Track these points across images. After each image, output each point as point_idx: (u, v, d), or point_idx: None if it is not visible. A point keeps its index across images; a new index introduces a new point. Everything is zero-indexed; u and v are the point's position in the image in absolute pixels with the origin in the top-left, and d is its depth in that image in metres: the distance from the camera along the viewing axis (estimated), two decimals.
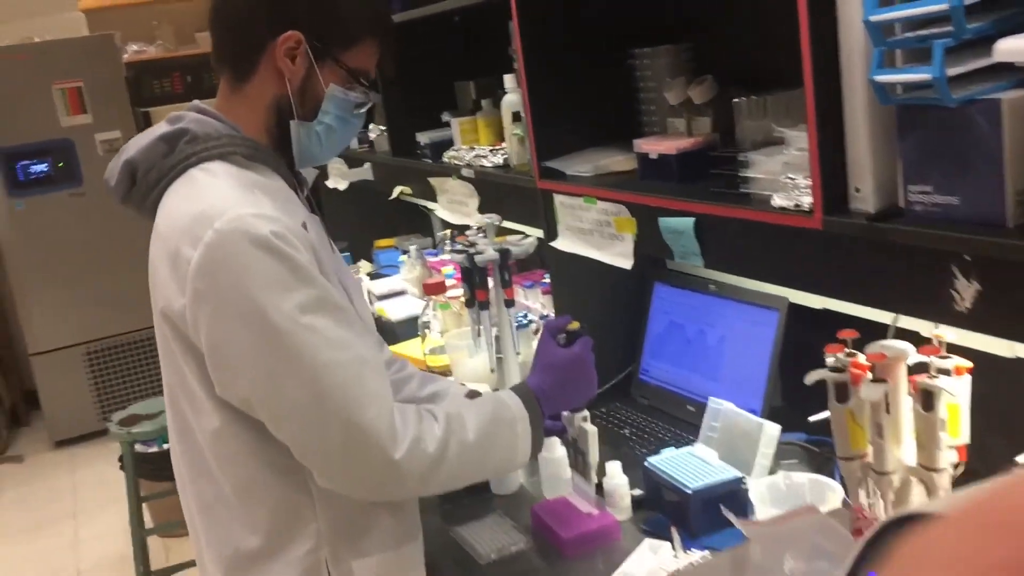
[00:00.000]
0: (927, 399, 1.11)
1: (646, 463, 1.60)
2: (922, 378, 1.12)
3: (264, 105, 1.36)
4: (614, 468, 1.60)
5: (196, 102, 1.39)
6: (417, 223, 3.59)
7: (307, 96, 1.36)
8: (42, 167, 4.61)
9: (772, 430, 1.54)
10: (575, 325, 1.50)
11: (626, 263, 1.76)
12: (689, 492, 1.49)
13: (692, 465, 1.56)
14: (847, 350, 1.19)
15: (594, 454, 1.50)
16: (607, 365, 2.11)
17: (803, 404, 1.74)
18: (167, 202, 1.30)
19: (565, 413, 1.50)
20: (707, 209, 1.50)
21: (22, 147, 4.56)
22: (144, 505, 3.04)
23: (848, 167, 1.24)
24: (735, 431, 1.62)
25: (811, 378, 1.18)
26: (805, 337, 1.73)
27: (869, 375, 1.16)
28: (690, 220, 1.53)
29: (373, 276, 3.26)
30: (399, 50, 1.47)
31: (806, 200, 1.30)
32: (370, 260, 3.52)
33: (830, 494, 1.32)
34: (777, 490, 1.37)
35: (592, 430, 1.50)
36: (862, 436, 1.17)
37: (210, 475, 1.31)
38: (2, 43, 4.57)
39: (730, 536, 1.50)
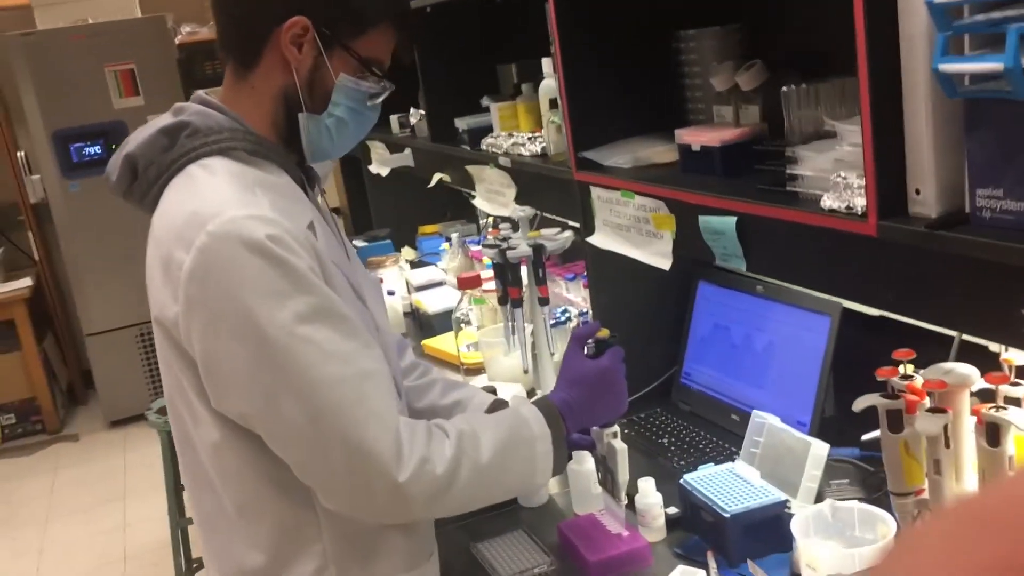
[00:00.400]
0: (993, 432, 0.98)
1: (682, 481, 1.49)
2: (988, 409, 0.99)
3: (270, 96, 1.26)
4: (647, 486, 1.49)
5: (200, 93, 1.30)
6: (463, 209, 3.50)
7: (316, 87, 1.26)
8: (95, 149, 4.61)
9: (820, 450, 1.41)
10: (604, 333, 1.39)
11: (664, 263, 1.64)
12: (727, 516, 1.37)
13: (732, 485, 1.44)
14: (902, 372, 1.06)
15: (624, 473, 1.40)
16: (648, 367, 2.00)
17: (857, 416, 1.60)
18: (164, 200, 1.22)
19: (594, 428, 1.40)
20: (751, 208, 1.37)
21: (76, 129, 4.56)
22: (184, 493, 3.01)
23: (907, 166, 1.10)
24: (780, 448, 1.50)
25: (860, 405, 1.06)
26: (860, 344, 1.60)
27: (927, 402, 1.03)
28: (732, 220, 1.40)
29: (415, 264, 3.18)
30: (417, 37, 1.37)
31: (859, 202, 1.17)
32: (414, 247, 3.44)
33: (881, 527, 1.19)
34: (822, 520, 1.25)
35: (622, 448, 1.39)
36: (918, 470, 1.04)
37: (211, 488, 1.24)
38: (56, 25, 4.58)
39: (772, 563, 1.38)
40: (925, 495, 1.04)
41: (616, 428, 1.40)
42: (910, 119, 1.07)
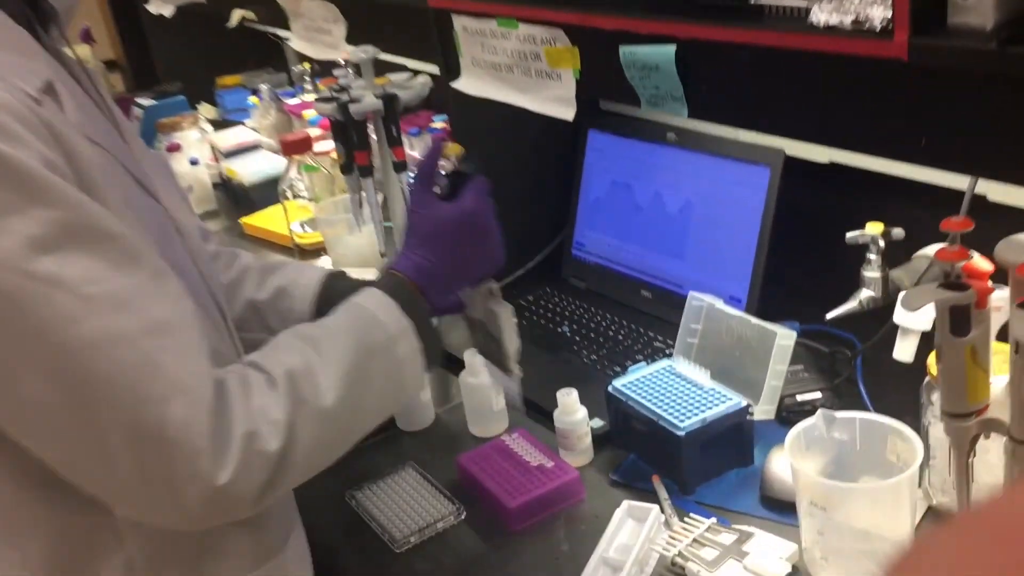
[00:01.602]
0: None
1: (611, 390, 1.18)
2: None
3: None
4: (569, 399, 1.17)
5: None
6: (270, 55, 2.95)
7: None
8: None
9: (787, 339, 1.13)
10: (453, 150, 1.01)
11: (565, 111, 1.27)
12: (681, 434, 1.07)
13: (676, 390, 1.14)
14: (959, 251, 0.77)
15: (512, 340, 1.07)
16: (530, 239, 1.66)
17: (796, 288, 1.34)
18: None
19: (465, 289, 1.06)
20: (698, 31, 1.02)
21: None
22: None
23: None
24: (728, 338, 1.21)
25: (916, 301, 0.76)
26: (802, 201, 1.31)
27: (1002, 294, 0.74)
28: (670, 49, 1.05)
29: (218, 124, 2.65)
30: None
31: (875, 13, 0.84)
32: (213, 103, 2.88)
33: (898, 444, 0.93)
34: (815, 436, 0.97)
35: (506, 309, 1.06)
36: (984, 382, 0.77)
37: None
38: None
39: (730, 483, 1.11)
40: (994, 415, 0.77)
41: (494, 284, 1.06)
42: None
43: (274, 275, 1.11)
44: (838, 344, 1.27)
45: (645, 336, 1.41)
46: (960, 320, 0.75)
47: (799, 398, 1.19)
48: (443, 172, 1.02)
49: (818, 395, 1.19)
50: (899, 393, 1.14)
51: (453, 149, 1.02)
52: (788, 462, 1.07)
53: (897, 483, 0.88)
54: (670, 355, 1.34)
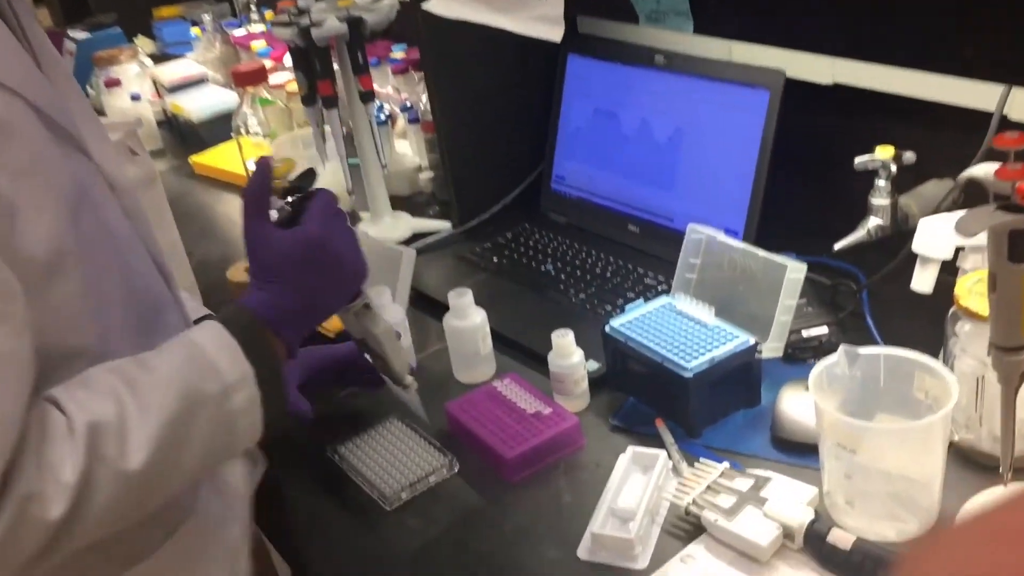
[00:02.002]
0: None
1: (608, 330, 1.10)
2: None
3: None
4: (565, 341, 1.10)
5: None
6: None
7: None
8: None
9: (797, 273, 1.07)
10: (286, 167, 0.91)
11: (552, 32, 1.18)
12: (688, 376, 1.01)
13: (678, 329, 1.07)
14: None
15: (397, 356, 1.00)
16: (505, 172, 1.57)
17: (795, 220, 1.27)
18: None
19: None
20: None
21: None
22: None
23: None
24: (731, 272, 1.14)
25: (974, 225, 0.69)
26: (803, 126, 1.24)
27: None
28: None
29: (158, 58, 2.48)
30: None
31: None
32: (150, 36, 2.71)
33: (927, 380, 0.87)
34: (836, 375, 0.91)
35: (384, 326, 0.99)
36: None
37: None
38: None
39: (736, 425, 1.06)
40: None
41: (365, 297, 0.97)
42: None
43: None
44: (841, 277, 1.21)
45: (635, 273, 1.34)
46: (1019, 245, 0.69)
47: (804, 334, 1.13)
48: (282, 201, 0.90)
49: (824, 330, 1.13)
50: (908, 327, 1.09)
51: (286, 166, 0.90)
52: (801, 401, 1.02)
53: (931, 423, 0.82)
54: (663, 292, 1.28)
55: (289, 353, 0.87)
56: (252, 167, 0.86)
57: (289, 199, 0.90)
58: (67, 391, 0.72)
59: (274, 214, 0.89)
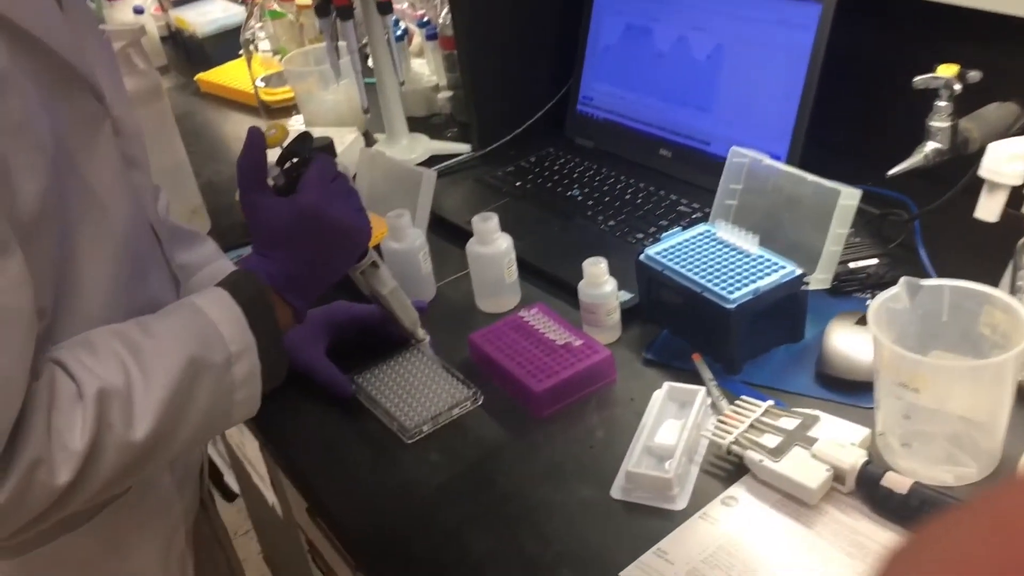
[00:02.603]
0: None
1: (643, 259, 1.04)
2: None
3: None
4: (595, 269, 1.03)
5: None
6: None
7: None
8: None
9: (851, 199, 0.99)
10: (280, 134, 0.88)
11: None
12: (730, 308, 0.94)
13: (720, 258, 1.01)
14: None
15: (406, 312, 1.02)
16: (529, 94, 1.48)
17: (840, 145, 1.20)
18: None
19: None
20: None
21: None
22: None
23: None
24: (775, 199, 1.07)
25: None
26: (854, 44, 1.15)
27: None
28: None
29: None
30: None
31: None
32: None
33: (999, 318, 0.81)
34: (893, 309, 0.85)
35: (387, 286, 0.99)
36: None
37: None
38: None
39: (780, 366, 0.99)
40: None
41: (371, 256, 0.96)
42: None
43: (184, 248, 1.01)
44: (890, 206, 1.14)
45: (667, 199, 1.27)
46: None
47: (851, 265, 1.07)
48: (279, 167, 0.87)
49: (873, 262, 1.07)
50: (963, 260, 1.02)
51: (280, 133, 0.86)
52: (850, 336, 0.96)
53: (1004, 361, 0.76)
54: (697, 220, 1.21)
55: (297, 318, 0.86)
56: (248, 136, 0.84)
57: (286, 165, 0.87)
58: (72, 354, 0.70)
59: (271, 182, 0.86)
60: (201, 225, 1.39)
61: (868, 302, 1.04)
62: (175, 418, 0.73)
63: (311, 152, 0.87)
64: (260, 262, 0.83)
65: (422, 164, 1.44)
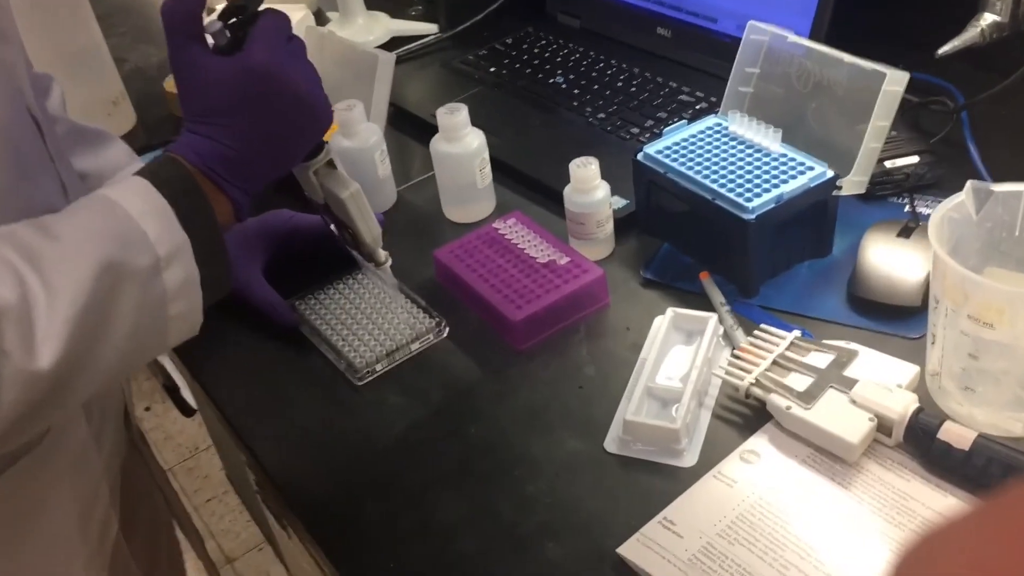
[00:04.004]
0: None
1: (642, 158, 0.86)
2: None
3: None
4: (585, 171, 0.85)
5: None
6: None
7: None
8: None
9: (897, 84, 0.81)
10: None
11: None
12: (749, 219, 0.78)
13: (734, 158, 0.84)
14: None
15: (365, 224, 0.75)
16: None
17: (871, 24, 1.01)
18: None
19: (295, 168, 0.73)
20: None
21: None
22: None
23: None
24: (800, 86, 0.89)
25: None
26: None
27: None
28: None
29: None
30: None
31: None
32: None
33: None
34: (957, 220, 0.68)
35: (348, 189, 0.73)
36: None
37: None
38: None
39: (804, 287, 0.84)
40: None
41: (329, 152, 0.72)
42: None
43: (88, 151, 0.84)
44: (930, 94, 0.97)
45: (666, 87, 1.08)
46: None
47: (887, 164, 0.90)
48: (221, 22, 0.66)
49: (913, 160, 0.90)
50: (1020, 159, 0.86)
51: None
52: (890, 250, 0.80)
53: None
54: (703, 111, 1.03)
55: (237, 215, 0.66)
56: None
57: (230, 21, 0.66)
58: None
59: (210, 40, 0.66)
60: (123, 119, 1.20)
61: (906, 208, 0.88)
62: (92, 339, 0.56)
63: (260, 5, 0.67)
64: (190, 141, 0.64)
65: (382, 47, 1.24)
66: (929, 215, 0.86)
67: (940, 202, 0.87)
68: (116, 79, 1.20)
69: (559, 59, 1.17)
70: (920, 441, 0.66)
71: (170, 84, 1.20)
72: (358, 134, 0.96)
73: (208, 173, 0.63)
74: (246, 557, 1.96)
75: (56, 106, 0.82)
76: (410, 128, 1.11)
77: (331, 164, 0.73)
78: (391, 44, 1.27)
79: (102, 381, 0.60)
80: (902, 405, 0.67)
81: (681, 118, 0.97)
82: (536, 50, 1.20)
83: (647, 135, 1.01)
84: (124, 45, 1.40)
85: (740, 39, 0.91)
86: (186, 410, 1.38)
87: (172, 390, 1.32)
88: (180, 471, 2.18)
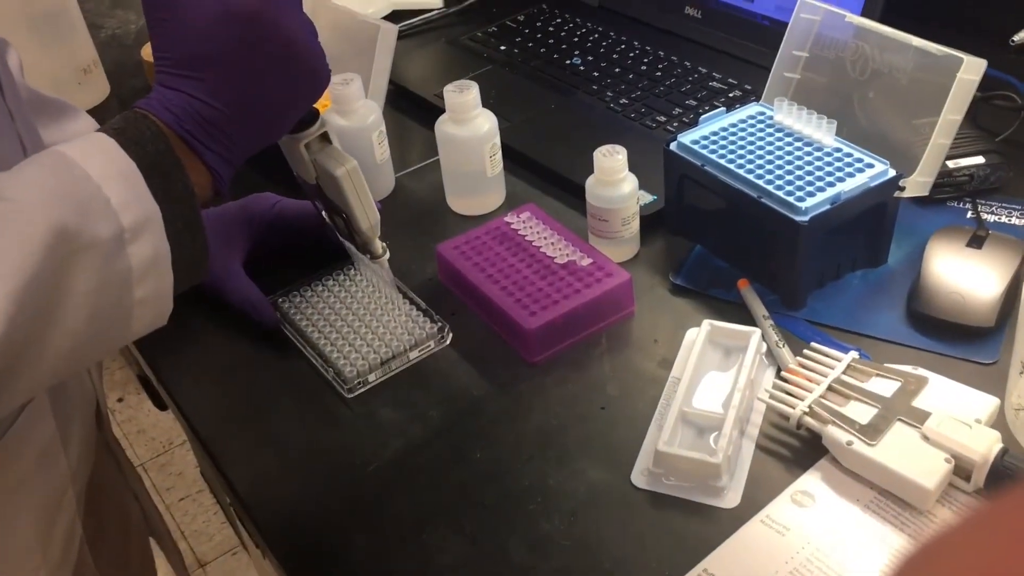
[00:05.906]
0: None
1: (675, 148, 0.76)
2: None
3: None
4: (611, 162, 0.75)
5: None
6: None
7: None
8: None
9: (973, 72, 0.71)
10: None
11: None
12: (802, 221, 0.68)
13: (781, 152, 0.74)
14: None
15: (362, 208, 0.63)
16: None
17: (928, 5, 0.92)
18: None
19: (283, 139, 0.61)
20: None
21: None
22: None
23: None
24: (856, 73, 0.79)
25: None
26: None
27: None
28: None
29: None
30: None
31: None
32: None
33: None
34: None
35: (344, 166, 0.61)
36: None
37: None
38: None
39: (856, 300, 0.74)
40: None
41: (323, 124, 0.61)
42: None
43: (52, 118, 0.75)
44: (993, 89, 0.87)
45: (695, 72, 0.98)
46: None
47: (949, 164, 0.80)
48: None
49: (976, 161, 0.80)
50: None
51: None
52: (957, 261, 0.70)
53: None
54: (736, 100, 0.93)
55: (216, 188, 0.54)
56: None
57: None
58: None
59: None
60: (95, 89, 1.09)
61: (968, 214, 0.79)
62: (41, 320, 0.46)
63: None
64: (163, 96, 0.53)
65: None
66: (996, 222, 0.77)
67: (1006, 208, 0.77)
68: (89, 45, 1.09)
69: (576, 38, 1.07)
70: (1003, 487, 0.56)
71: (147, 52, 1.09)
72: (355, 112, 0.85)
73: (183, 135, 0.51)
74: (219, 561, 1.86)
75: (15, 71, 0.71)
76: (411, 109, 1.01)
77: (325, 138, 0.62)
78: (393, 17, 1.16)
79: (54, 372, 0.49)
80: (984, 445, 0.57)
81: (713, 106, 0.87)
82: (551, 28, 1.10)
83: (675, 124, 0.91)
84: (102, 10, 1.29)
85: (778, 21, 0.81)
86: (161, 403, 1.28)
87: (147, 381, 1.23)
88: (152, 467, 2.07)
